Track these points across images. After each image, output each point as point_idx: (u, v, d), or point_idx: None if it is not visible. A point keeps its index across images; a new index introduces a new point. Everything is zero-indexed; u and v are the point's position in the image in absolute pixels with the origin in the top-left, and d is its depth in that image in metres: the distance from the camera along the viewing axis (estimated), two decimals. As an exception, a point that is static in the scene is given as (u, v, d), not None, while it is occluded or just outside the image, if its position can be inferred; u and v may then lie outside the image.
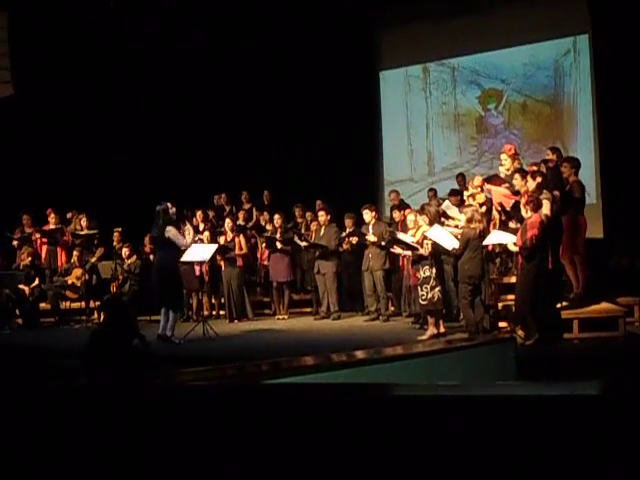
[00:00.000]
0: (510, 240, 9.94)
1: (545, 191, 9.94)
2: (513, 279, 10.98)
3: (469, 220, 9.87)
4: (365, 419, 3.14)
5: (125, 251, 13.76)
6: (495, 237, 10.24)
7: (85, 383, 5.32)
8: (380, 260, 12.34)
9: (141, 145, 16.38)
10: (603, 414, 2.80)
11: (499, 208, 11.16)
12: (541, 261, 9.50)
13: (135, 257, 13.62)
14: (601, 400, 3.01)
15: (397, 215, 12.89)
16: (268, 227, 14.20)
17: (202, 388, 4.14)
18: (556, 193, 10.12)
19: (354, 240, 12.79)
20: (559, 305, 10.10)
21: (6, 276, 13.92)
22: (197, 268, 13.30)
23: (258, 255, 14.59)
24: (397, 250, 11.35)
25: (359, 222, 13.01)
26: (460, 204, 11.43)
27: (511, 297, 10.35)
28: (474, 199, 11.04)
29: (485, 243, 10.05)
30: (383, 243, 12.11)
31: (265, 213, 14.78)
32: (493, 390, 3.60)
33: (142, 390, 4.00)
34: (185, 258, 11.62)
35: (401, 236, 11.06)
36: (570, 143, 14.78)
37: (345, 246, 13.14)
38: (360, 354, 7.02)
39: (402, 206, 13.36)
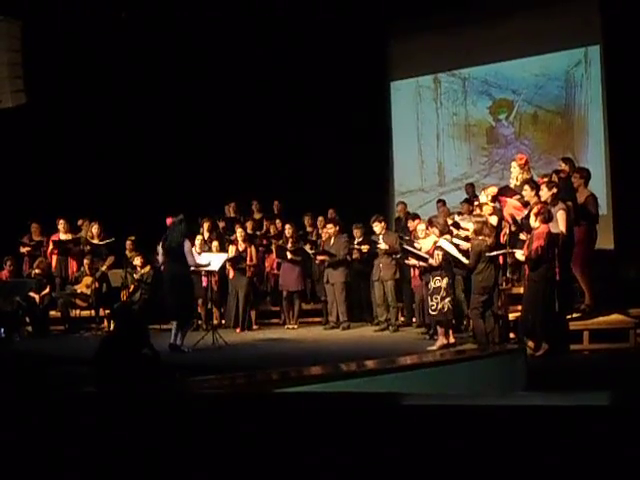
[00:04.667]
0: (513, 251, 9.98)
1: (560, 202, 9.95)
2: (523, 290, 10.97)
3: (477, 232, 9.88)
4: (375, 428, 3.14)
5: (138, 261, 13.77)
6: (496, 251, 10.23)
7: (95, 391, 5.33)
8: (391, 270, 12.33)
9: (153, 154, 16.42)
10: (613, 425, 2.80)
11: (510, 220, 11.15)
12: (547, 272, 9.48)
13: (149, 267, 13.62)
14: (611, 411, 3.01)
15: (411, 224, 12.80)
16: (279, 236, 14.21)
17: (212, 397, 4.14)
18: (569, 204, 10.12)
19: (365, 248, 12.76)
20: (570, 316, 10.07)
21: (17, 284, 13.93)
22: (204, 278, 13.27)
23: (267, 264, 14.58)
24: (412, 261, 11.31)
25: (368, 232, 13.03)
26: (471, 214, 11.43)
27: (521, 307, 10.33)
28: (481, 209, 11.02)
29: (493, 254, 10.04)
30: (397, 255, 12.09)
31: (277, 222, 14.79)
32: (503, 401, 3.60)
33: (151, 398, 4.01)
34: (198, 261, 11.58)
35: (411, 247, 11.04)
36: (581, 154, 14.77)
37: (355, 255, 13.13)
38: (370, 364, 7.02)
39: (411, 217, 13.32)
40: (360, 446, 3.11)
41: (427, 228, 10.98)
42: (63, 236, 14.59)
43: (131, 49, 15.90)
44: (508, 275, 11.55)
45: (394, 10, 15.94)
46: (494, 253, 10.17)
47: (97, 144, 16.12)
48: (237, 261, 13.29)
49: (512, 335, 10.38)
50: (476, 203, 11.52)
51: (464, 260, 9.98)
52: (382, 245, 12.32)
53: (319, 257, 13.31)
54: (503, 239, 11.11)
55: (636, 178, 13.28)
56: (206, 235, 13.94)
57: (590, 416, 2.91)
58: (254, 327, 13.54)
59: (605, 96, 14.76)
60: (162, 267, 11.45)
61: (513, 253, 10.15)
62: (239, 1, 15.53)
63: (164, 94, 16.47)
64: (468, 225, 10.73)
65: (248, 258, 13.48)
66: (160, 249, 11.03)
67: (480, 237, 9.82)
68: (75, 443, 3.69)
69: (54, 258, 14.63)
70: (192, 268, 11.27)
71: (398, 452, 3.04)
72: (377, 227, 12.58)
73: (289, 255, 13.44)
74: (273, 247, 14.47)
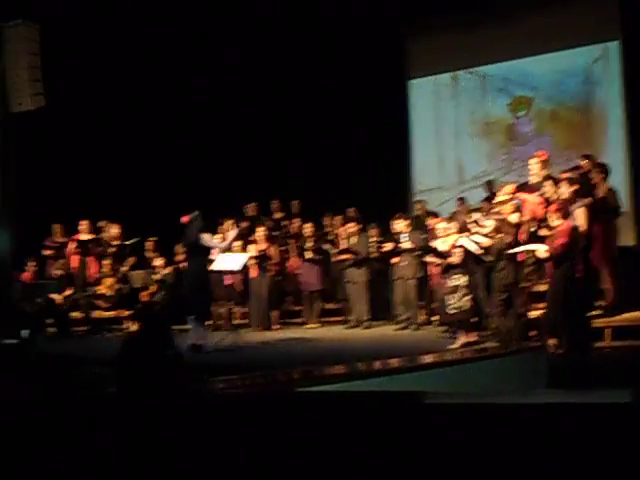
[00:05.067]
0: (534, 247, 9.94)
1: (580, 199, 9.91)
2: (544, 287, 10.93)
3: (496, 230, 9.88)
4: (397, 427, 3.15)
5: (159, 261, 13.82)
6: (519, 247, 10.23)
7: (118, 392, 5.35)
8: (413, 268, 12.29)
9: (172, 155, 16.48)
10: (635, 422, 2.79)
11: (532, 217, 11.12)
12: (570, 269, 9.46)
13: (171, 268, 13.66)
14: (633, 408, 3.00)
15: (431, 222, 12.77)
16: (298, 236, 14.23)
17: (234, 396, 4.16)
18: (589, 199, 10.08)
19: (389, 246, 12.69)
20: (591, 313, 10.03)
21: (39, 285, 14.02)
22: (226, 277, 13.30)
23: (288, 264, 14.61)
24: (431, 259, 11.30)
25: (384, 232, 13.04)
26: (490, 212, 11.40)
27: (543, 305, 10.30)
28: (502, 207, 10.99)
29: (512, 251, 10.02)
30: (418, 252, 12.08)
31: (295, 222, 14.82)
32: (524, 399, 3.60)
33: (175, 399, 4.03)
34: (216, 267, 11.68)
35: (432, 244, 11.03)
36: (601, 150, 14.66)
37: (374, 253, 13.09)
38: (391, 362, 7.02)
39: (429, 215, 13.30)
40: (382, 445, 3.11)
41: (448, 222, 10.97)
42: (84, 237, 14.67)
43: (149, 49, 15.95)
44: (530, 273, 11.53)
45: (412, 8, 15.90)
46: (517, 249, 10.17)
47: (118, 145, 16.19)
48: (261, 261, 13.32)
49: (533, 333, 10.36)
50: (495, 201, 11.48)
51: (484, 258, 9.97)
52: (406, 244, 12.27)
53: (342, 256, 13.30)
54: (522, 237, 11.09)
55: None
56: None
57: (612, 414, 2.90)
58: (275, 327, 13.56)
59: (625, 92, 14.66)
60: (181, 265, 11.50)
61: (536, 250, 10.12)
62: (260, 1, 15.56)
63: (184, 94, 16.52)
64: (487, 223, 10.71)
65: (270, 257, 13.53)
66: (179, 249, 11.09)
67: (499, 235, 9.81)
68: (98, 444, 3.71)
69: (75, 259, 14.69)
70: (219, 254, 11.36)
71: (420, 451, 3.04)
72: (400, 225, 12.55)
73: (309, 255, 13.47)
74: (290, 247, 14.50)
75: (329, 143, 16.35)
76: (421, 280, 12.37)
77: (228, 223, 14.11)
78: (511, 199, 11.20)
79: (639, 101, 13.99)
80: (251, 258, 13.05)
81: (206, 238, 10.92)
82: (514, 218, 10.59)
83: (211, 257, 11.50)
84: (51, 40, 13.97)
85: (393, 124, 16.90)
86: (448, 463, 2.99)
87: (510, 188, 11.43)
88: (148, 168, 16.22)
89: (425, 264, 12.00)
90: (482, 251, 10.06)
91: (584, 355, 9.35)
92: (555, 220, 9.52)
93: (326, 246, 13.69)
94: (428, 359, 7.75)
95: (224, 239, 12.55)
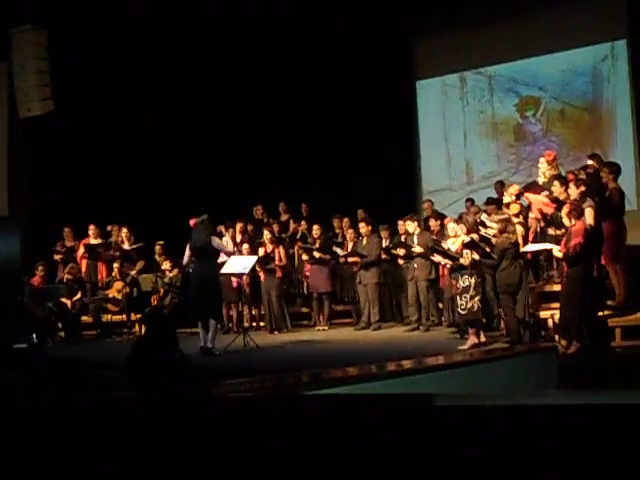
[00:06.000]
0: (548, 247, 9.96)
1: (588, 199, 9.90)
2: (555, 287, 10.92)
3: (501, 231, 9.88)
4: (407, 430, 3.14)
5: (167, 265, 13.85)
6: (532, 246, 10.25)
7: (128, 396, 5.36)
8: (425, 270, 12.24)
9: (180, 158, 16.52)
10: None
11: (539, 216, 11.12)
12: (586, 269, 9.46)
13: (177, 270, 13.67)
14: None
15: (433, 224, 12.80)
16: (307, 238, 14.24)
17: (243, 400, 4.15)
18: (596, 200, 10.07)
19: (401, 252, 12.64)
20: (602, 313, 10.01)
21: (49, 289, 14.06)
22: (235, 280, 13.32)
23: (296, 266, 14.62)
24: (437, 258, 11.30)
25: (393, 233, 13.05)
26: (497, 212, 11.40)
27: (554, 305, 10.28)
28: (508, 208, 11.00)
29: (523, 250, 10.03)
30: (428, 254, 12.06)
31: (303, 224, 14.82)
32: (535, 400, 3.59)
33: (183, 403, 4.02)
34: (225, 270, 11.71)
35: (442, 245, 11.02)
36: (609, 149, 14.65)
37: (384, 255, 13.08)
38: (402, 365, 7.01)
39: (437, 215, 13.29)
40: (391, 449, 3.10)
41: (457, 223, 10.98)
42: (93, 241, 14.71)
43: (157, 53, 15.99)
44: (539, 273, 11.53)
45: (419, 8, 15.93)
46: (532, 248, 10.18)
47: (127, 149, 16.23)
48: (265, 262, 13.32)
49: (543, 333, 10.35)
50: (504, 203, 11.49)
51: (493, 255, 9.97)
52: (417, 248, 12.23)
53: (350, 259, 13.30)
54: (532, 236, 11.09)
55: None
56: (238, 238, 13.99)
57: (623, 415, 2.88)
58: (289, 329, 13.56)
59: (633, 90, 14.64)
60: (187, 268, 11.50)
61: (550, 250, 10.12)
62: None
63: (192, 98, 16.55)
64: (493, 225, 10.71)
65: (277, 259, 13.51)
66: (187, 251, 11.05)
67: (504, 235, 9.80)
68: (107, 448, 3.71)
69: (84, 263, 14.74)
70: (224, 260, 11.36)
71: (430, 454, 3.04)
72: (410, 226, 12.52)
73: (317, 255, 13.47)
74: (296, 249, 14.51)
75: (337, 144, 16.36)
76: (433, 282, 12.33)
77: (238, 226, 14.14)
78: (517, 199, 11.21)
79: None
80: (259, 259, 13.04)
81: (217, 242, 10.96)
82: (518, 219, 10.60)
83: (221, 260, 11.52)
84: (60, 45, 14.04)
85: (401, 125, 16.92)
86: (458, 467, 2.98)
87: (514, 189, 11.45)
88: (156, 172, 16.27)
89: (437, 266, 11.97)
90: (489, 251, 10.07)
91: (594, 355, 9.32)
92: (569, 220, 9.52)
93: (335, 248, 13.68)
94: (438, 361, 7.73)
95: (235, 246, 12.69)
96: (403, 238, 12.80)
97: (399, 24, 16.36)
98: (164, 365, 6.30)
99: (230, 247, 11.63)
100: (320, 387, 5.07)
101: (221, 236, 13.46)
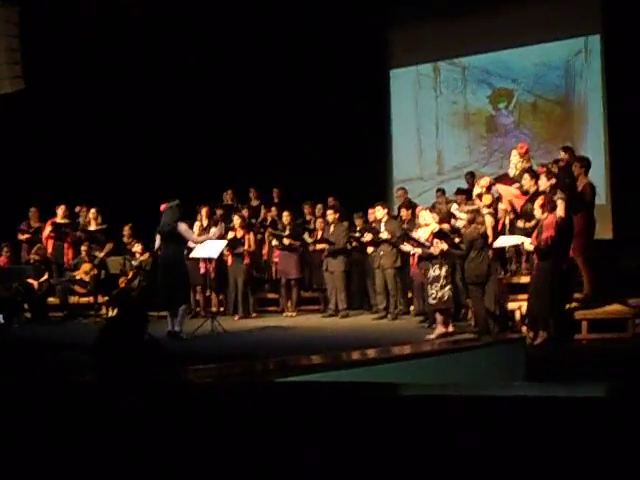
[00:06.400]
0: (519, 241, 10.01)
1: (559, 191, 9.97)
2: (522, 279, 10.99)
3: (470, 221, 9.90)
4: (374, 419, 3.14)
5: (138, 248, 13.76)
6: (503, 240, 10.29)
7: (96, 380, 5.33)
8: (391, 258, 12.29)
9: (151, 141, 16.41)
10: (608, 416, 2.80)
11: (509, 208, 11.17)
12: (557, 262, 9.53)
13: (148, 254, 13.59)
14: (606, 402, 3.01)
15: (404, 213, 12.84)
16: (277, 224, 14.21)
17: (210, 386, 4.14)
18: (567, 193, 10.13)
19: (368, 237, 12.66)
20: (569, 306, 10.10)
21: (15, 270, 13.95)
22: (202, 265, 13.28)
23: (265, 252, 14.58)
24: (406, 247, 11.31)
25: (367, 221, 13.08)
26: (466, 203, 11.44)
27: (522, 297, 10.35)
28: (481, 199, 11.03)
29: (495, 246, 10.08)
30: (394, 240, 12.08)
31: (273, 209, 14.80)
32: (501, 391, 3.60)
33: (152, 388, 4.01)
34: (194, 254, 11.68)
35: (414, 234, 11.02)
36: (580, 143, 14.74)
37: (354, 243, 13.11)
38: (369, 353, 7.03)
39: (409, 204, 13.32)
40: (358, 437, 3.11)
41: (430, 211, 10.99)
42: (60, 221, 14.59)
43: (129, 35, 15.86)
44: (508, 265, 11.60)
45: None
46: (502, 244, 10.22)
47: (96, 130, 16.10)
48: (234, 246, 13.26)
49: (510, 324, 10.41)
50: (474, 193, 11.53)
51: (462, 246, 10.01)
52: (384, 235, 12.27)
53: (318, 246, 13.32)
54: (500, 227, 11.16)
55: (635, 168, 13.26)
56: (204, 222, 13.93)
57: (585, 407, 2.91)
58: (252, 315, 13.54)
59: (605, 86, 14.73)
60: (158, 252, 11.46)
61: (522, 243, 10.17)
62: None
63: (163, 80, 16.44)
64: (462, 215, 10.75)
65: (246, 244, 13.47)
66: (157, 235, 11.02)
67: (473, 225, 9.83)
68: (77, 432, 3.69)
69: (50, 243, 14.62)
70: (194, 245, 11.34)
71: (397, 443, 3.04)
72: (380, 213, 12.53)
73: (286, 241, 13.45)
74: (266, 235, 14.48)
75: (310, 131, 16.32)
76: (400, 270, 12.37)
77: (204, 210, 14.05)
78: (488, 191, 11.26)
79: (619, 95, 14.04)
80: (227, 245, 13.00)
81: (183, 228, 10.84)
82: (488, 210, 10.64)
83: (189, 245, 11.48)
84: (31, 22, 13.87)
85: (374, 113, 16.90)
86: (425, 456, 2.99)
87: (485, 181, 11.50)
88: (126, 154, 16.15)
89: (404, 254, 11.99)
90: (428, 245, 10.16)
91: (561, 347, 9.41)
92: (542, 213, 9.58)
93: (305, 235, 13.67)
94: (405, 350, 7.76)
95: (203, 230, 12.63)
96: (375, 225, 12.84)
97: (374, 12, 16.33)
98: (134, 347, 6.27)
99: (202, 238, 11.50)
100: (287, 374, 5.08)
101: (193, 222, 13.39)
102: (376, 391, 3.62)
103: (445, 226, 10.61)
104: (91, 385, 4.22)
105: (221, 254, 12.72)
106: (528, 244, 9.81)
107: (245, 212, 14.58)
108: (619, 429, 2.76)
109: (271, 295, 14.55)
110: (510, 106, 16.06)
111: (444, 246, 10.06)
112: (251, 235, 13.66)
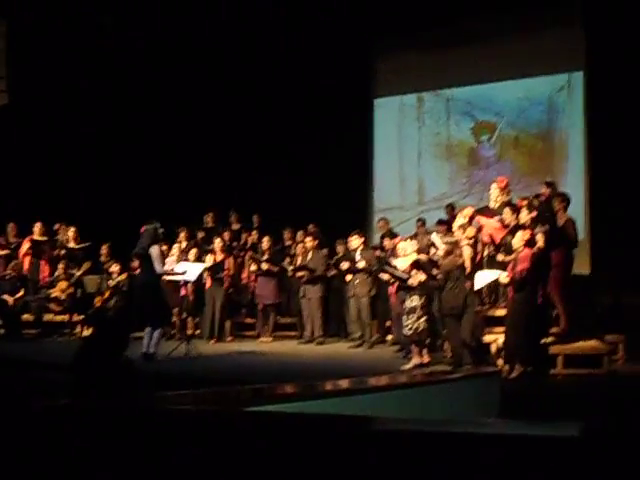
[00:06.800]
0: (496, 276, 10.00)
1: (539, 224, 10.01)
2: (498, 312, 10.99)
3: (448, 252, 9.91)
4: (346, 453, 3.11)
5: (116, 268, 13.69)
6: (482, 279, 10.23)
7: (70, 402, 5.26)
8: (366, 287, 12.31)
9: (132, 161, 16.37)
10: (581, 456, 2.78)
11: (489, 240, 11.19)
12: (531, 295, 9.54)
13: (126, 274, 13.52)
14: (580, 442, 3.00)
15: (388, 243, 12.84)
16: (257, 248, 14.19)
17: (181, 413, 4.09)
18: (547, 227, 10.18)
19: (346, 265, 12.65)
20: (545, 340, 10.11)
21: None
22: (183, 288, 13.22)
23: (244, 276, 14.53)
24: (385, 276, 11.31)
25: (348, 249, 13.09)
26: (447, 234, 11.44)
27: (498, 330, 10.35)
28: (464, 231, 11.02)
29: (476, 288, 10.07)
30: (373, 269, 12.09)
31: (254, 233, 14.77)
32: (475, 428, 3.58)
33: (125, 412, 3.96)
34: (172, 277, 11.65)
35: (392, 266, 10.99)
36: (560, 178, 14.79)
37: (333, 271, 13.11)
38: (343, 383, 6.97)
39: (391, 234, 13.31)
40: (332, 471, 3.08)
41: (411, 240, 11.00)
42: (38, 238, 14.51)
43: (115, 51, 15.87)
44: (484, 297, 11.59)
45: (379, 27, 15.99)
46: (482, 283, 10.19)
47: (76, 148, 16.06)
48: (216, 270, 13.24)
49: (486, 357, 10.40)
50: (456, 224, 11.52)
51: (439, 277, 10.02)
52: (360, 263, 12.28)
53: (298, 273, 13.28)
54: (479, 259, 11.16)
55: (614, 204, 13.35)
56: (183, 244, 13.88)
57: (559, 448, 2.89)
58: (228, 339, 13.48)
59: (586, 122, 14.83)
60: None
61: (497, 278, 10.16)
62: (227, 17, 15.52)
63: (148, 100, 16.42)
64: (442, 245, 10.76)
65: (226, 268, 13.44)
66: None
67: (450, 256, 9.85)
68: (47, 455, 3.63)
69: (27, 260, 14.53)
70: (162, 275, 11.24)
71: (369, 477, 3.01)
72: (356, 242, 12.56)
73: (265, 266, 13.42)
74: (247, 259, 14.43)
75: (292, 158, 16.34)
76: (374, 298, 12.37)
77: (183, 233, 14.02)
78: (470, 222, 11.27)
79: (600, 131, 14.15)
80: (207, 269, 12.98)
81: (154, 252, 10.75)
82: (468, 242, 10.64)
83: (168, 267, 11.45)
84: (18, 36, 13.83)
85: (357, 141, 16.94)
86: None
87: (469, 211, 11.51)
88: (107, 173, 16.12)
89: (379, 282, 11.99)
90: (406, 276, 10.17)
91: (536, 382, 9.40)
92: (519, 246, 9.62)
93: (285, 262, 13.66)
94: (381, 381, 7.72)
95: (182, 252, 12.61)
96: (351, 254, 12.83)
97: (359, 42, 16.41)
98: (110, 369, 6.19)
99: (161, 266, 11.10)
100: (260, 404, 5.04)
101: (173, 244, 13.37)
102: (349, 424, 3.59)
103: (422, 257, 10.61)
104: (67, 408, 4.16)
105: (200, 277, 12.69)
106: (503, 277, 9.82)
107: (227, 235, 14.54)
108: (589, 469, 2.75)
109: (248, 320, 14.48)
110: (492, 139, 16.14)
111: (422, 277, 10.06)
112: (231, 259, 13.63)
